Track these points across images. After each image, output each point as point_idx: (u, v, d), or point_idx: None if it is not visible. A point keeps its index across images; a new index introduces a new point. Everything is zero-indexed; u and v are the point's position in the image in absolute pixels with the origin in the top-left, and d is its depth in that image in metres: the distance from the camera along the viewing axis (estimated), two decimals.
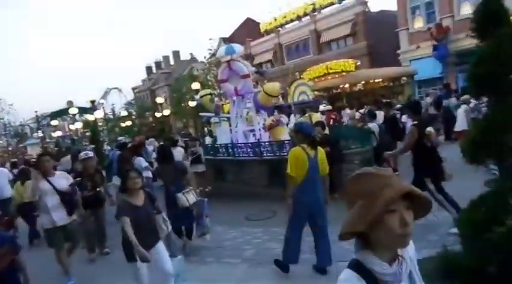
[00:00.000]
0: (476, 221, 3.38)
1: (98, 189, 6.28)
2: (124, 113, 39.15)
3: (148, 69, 60.81)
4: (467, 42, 19.59)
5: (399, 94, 20.88)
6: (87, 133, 35.98)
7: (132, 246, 3.55)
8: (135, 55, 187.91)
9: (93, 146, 14.37)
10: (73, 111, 21.58)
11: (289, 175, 4.53)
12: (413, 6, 22.73)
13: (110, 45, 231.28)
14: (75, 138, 22.21)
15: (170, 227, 4.49)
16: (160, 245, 4.04)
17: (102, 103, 27.31)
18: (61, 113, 26.63)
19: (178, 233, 5.69)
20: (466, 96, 10.35)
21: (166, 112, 29.80)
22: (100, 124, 27.71)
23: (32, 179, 5.34)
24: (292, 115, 12.13)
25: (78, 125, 23.86)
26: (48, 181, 5.05)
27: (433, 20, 21.51)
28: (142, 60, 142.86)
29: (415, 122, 5.60)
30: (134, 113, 45.76)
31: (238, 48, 10.88)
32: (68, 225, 5.18)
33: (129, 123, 38.43)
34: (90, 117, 22.68)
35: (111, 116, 41.50)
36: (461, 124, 10.22)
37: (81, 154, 6.54)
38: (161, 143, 10.79)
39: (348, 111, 14.39)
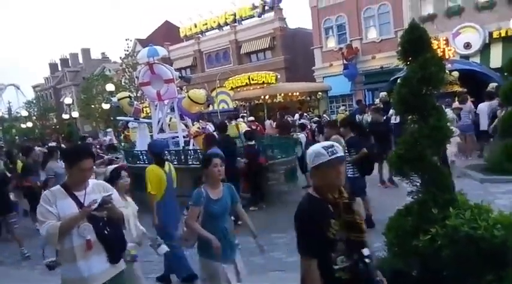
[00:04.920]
0: (402, 230, 3.66)
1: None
2: (24, 113, 35.14)
3: (53, 66, 55.77)
4: (373, 63, 21.70)
5: (315, 108, 22.11)
6: None
7: None
8: (36, 51, 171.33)
9: None
10: None
11: (151, 194, 4.58)
12: (327, 27, 24.44)
13: (3, 37, 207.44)
14: None
15: None
16: None
17: None
18: None
19: None
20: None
21: (75, 114, 27.51)
22: None
23: (42, 204, 2.62)
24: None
25: None
26: (77, 201, 2.66)
27: (344, 41, 23.35)
28: (44, 57, 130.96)
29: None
30: (35, 113, 41.41)
31: (161, 50, 10.51)
32: (117, 279, 2.80)
33: (30, 124, 34.59)
34: None
35: (6, 116, 37.11)
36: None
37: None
38: None
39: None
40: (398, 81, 4.07)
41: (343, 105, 22.61)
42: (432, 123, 3.71)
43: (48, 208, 2.58)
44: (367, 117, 12.45)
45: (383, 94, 14.00)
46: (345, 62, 22.15)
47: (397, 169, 3.86)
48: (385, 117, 9.29)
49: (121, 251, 2.83)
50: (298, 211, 2.21)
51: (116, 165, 4.20)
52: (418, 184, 3.90)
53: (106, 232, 2.68)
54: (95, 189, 2.76)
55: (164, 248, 3.79)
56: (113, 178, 3.71)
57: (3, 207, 6.85)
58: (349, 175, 5.93)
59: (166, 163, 4.98)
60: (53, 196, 2.63)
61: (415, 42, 3.86)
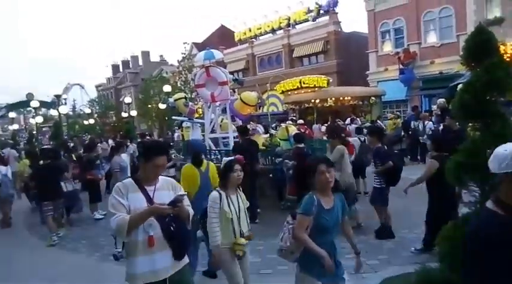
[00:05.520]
0: (458, 241, 3.49)
1: None
2: (87, 111, 37.73)
3: (115, 67, 59.24)
4: (432, 68, 20.74)
5: (367, 114, 21.54)
6: (44, 129, 34.32)
7: None
8: (100, 53, 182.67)
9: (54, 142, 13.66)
10: (34, 104, 20.26)
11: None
12: (383, 31, 23.74)
13: (73, 40, 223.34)
14: (34, 132, 20.96)
15: None
16: None
17: (65, 99, 26.12)
18: (19, 105, 25.12)
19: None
20: None
21: (134, 112, 29.05)
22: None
23: (115, 195, 2.67)
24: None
25: (39, 119, 22.46)
26: (147, 196, 2.71)
27: (401, 45, 22.54)
28: (107, 58, 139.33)
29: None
30: (97, 111, 44.26)
31: (217, 54, 10.80)
32: (176, 276, 2.77)
33: (91, 121, 37.06)
34: (52, 112, 21.50)
35: (71, 112, 39.94)
36: None
37: None
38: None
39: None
40: (460, 86, 3.89)
41: (397, 110, 21.80)
42: (496, 130, 3.51)
43: (120, 200, 2.62)
44: (416, 124, 12.14)
45: (441, 100, 13.35)
46: (401, 66, 21.39)
47: (454, 178, 3.69)
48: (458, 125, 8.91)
49: (186, 248, 2.86)
50: (480, 234, 1.72)
51: (230, 157, 3.83)
52: (477, 194, 3.71)
53: (172, 228, 2.70)
54: (164, 185, 2.81)
55: None
56: (225, 171, 3.59)
57: (54, 193, 7.44)
58: (375, 185, 6.18)
59: (205, 163, 5.05)
60: (125, 188, 2.68)
61: (481, 45, 3.66)
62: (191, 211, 2.89)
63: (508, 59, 14.58)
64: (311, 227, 2.85)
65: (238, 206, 3.58)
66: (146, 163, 2.73)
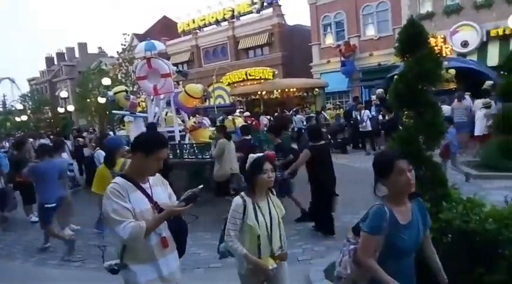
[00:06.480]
0: None
1: None
2: (19, 106, 34.95)
3: (49, 60, 55.39)
4: (371, 60, 21.71)
5: (311, 104, 22.14)
6: None
7: None
8: (33, 44, 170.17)
9: None
10: None
11: (94, 193, 5.01)
12: (325, 24, 24.42)
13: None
14: None
15: None
16: None
17: None
18: None
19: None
20: (486, 100, 10.19)
21: (71, 107, 27.38)
22: None
23: (115, 200, 2.29)
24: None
25: None
26: (146, 194, 2.43)
27: (342, 38, 23.36)
28: (41, 50, 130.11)
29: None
30: (30, 107, 41.22)
31: (159, 45, 10.51)
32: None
33: (24, 117, 34.43)
34: None
35: (1, 109, 36.96)
36: (482, 128, 9.83)
37: None
38: None
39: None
40: (396, 76, 4.07)
41: (339, 101, 22.65)
42: (428, 119, 3.72)
43: (123, 204, 2.27)
44: (357, 114, 12.80)
45: (379, 91, 14.07)
46: (342, 58, 22.16)
47: None
48: (392, 114, 9.48)
49: (185, 247, 2.65)
50: None
51: (259, 154, 3.04)
52: None
53: (181, 224, 2.54)
54: (156, 182, 2.53)
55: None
56: (253, 172, 2.81)
57: None
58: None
59: (121, 161, 4.89)
60: (123, 189, 2.33)
61: (412, 38, 3.85)
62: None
63: (438, 51, 15.68)
64: (382, 249, 2.11)
65: (270, 216, 2.81)
66: (147, 157, 2.38)
